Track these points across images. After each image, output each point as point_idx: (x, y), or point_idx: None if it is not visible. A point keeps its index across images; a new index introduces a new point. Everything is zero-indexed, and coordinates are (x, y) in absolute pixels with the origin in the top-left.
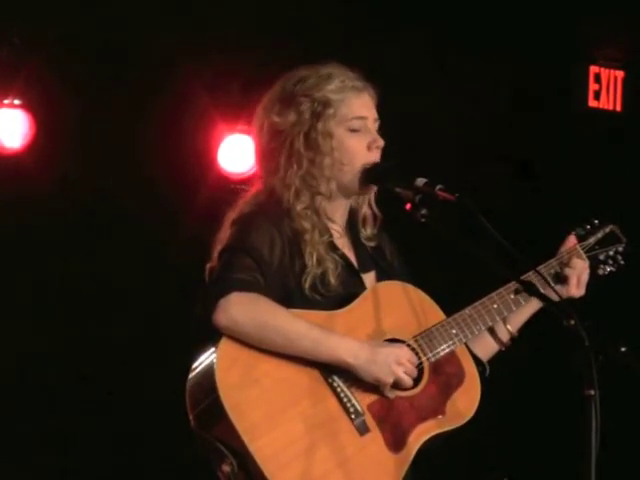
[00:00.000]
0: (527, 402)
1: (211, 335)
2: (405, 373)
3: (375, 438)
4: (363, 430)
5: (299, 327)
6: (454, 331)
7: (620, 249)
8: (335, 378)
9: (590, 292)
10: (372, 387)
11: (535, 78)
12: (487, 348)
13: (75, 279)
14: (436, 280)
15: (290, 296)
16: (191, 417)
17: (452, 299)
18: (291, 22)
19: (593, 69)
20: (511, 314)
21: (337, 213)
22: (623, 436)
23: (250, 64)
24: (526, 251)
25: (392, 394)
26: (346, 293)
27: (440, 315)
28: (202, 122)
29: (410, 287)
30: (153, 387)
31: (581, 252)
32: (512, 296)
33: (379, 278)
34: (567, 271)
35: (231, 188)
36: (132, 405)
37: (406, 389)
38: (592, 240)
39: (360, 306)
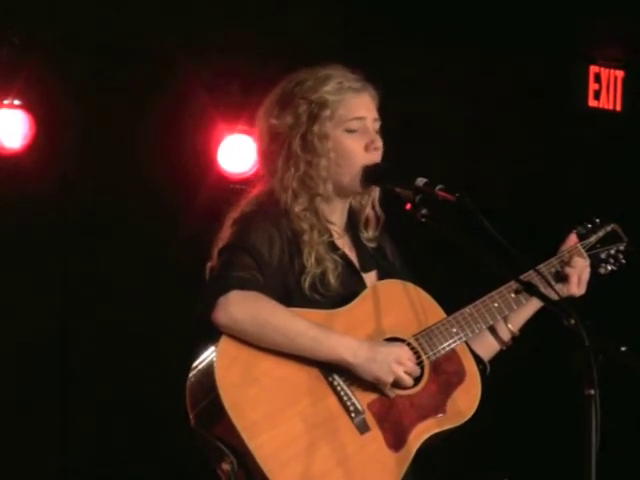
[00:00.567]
0: (527, 402)
1: (211, 334)
2: (405, 372)
3: (375, 437)
4: (363, 429)
5: (299, 325)
6: (454, 330)
7: (621, 248)
8: (335, 377)
9: (591, 291)
10: (372, 386)
11: (535, 78)
12: (488, 347)
13: (75, 279)
14: (436, 279)
15: (290, 295)
16: (191, 416)
17: (452, 298)
18: (291, 22)
19: (593, 69)
20: (512, 313)
21: (335, 214)
22: (623, 436)
23: (250, 64)
24: (526, 251)
25: (392, 393)
26: (347, 293)
27: (441, 314)
28: (202, 122)
29: (410, 285)
30: (153, 386)
31: (582, 251)
32: (513, 295)
33: (380, 278)
34: (568, 270)
35: (231, 188)
36: (132, 405)
37: (406, 388)
38: (593, 239)
39: (360, 305)
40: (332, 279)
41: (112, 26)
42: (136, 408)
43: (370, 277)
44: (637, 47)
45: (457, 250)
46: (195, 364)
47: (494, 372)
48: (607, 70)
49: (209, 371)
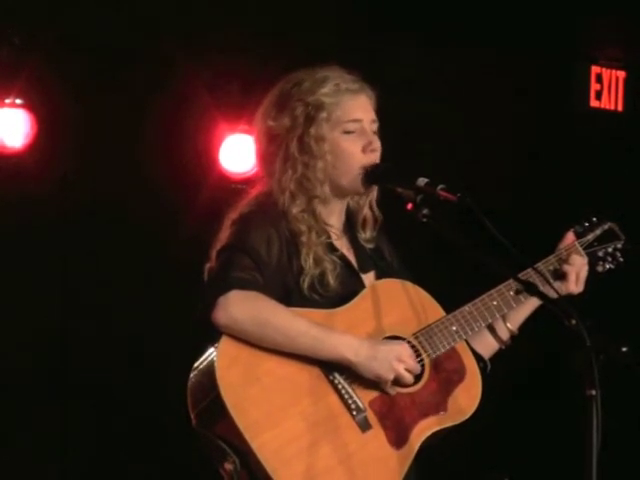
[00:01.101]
0: (528, 401)
1: (211, 334)
2: (406, 370)
3: (377, 434)
4: (365, 426)
5: (299, 325)
6: (454, 328)
7: (619, 246)
8: (336, 375)
9: (590, 291)
10: (373, 384)
11: (537, 78)
12: (487, 346)
13: (76, 279)
14: (436, 279)
15: (289, 296)
16: (192, 416)
17: (452, 298)
18: (291, 21)
19: (595, 69)
20: (511, 312)
21: (333, 215)
22: (624, 436)
23: (250, 64)
24: (527, 250)
25: (393, 391)
26: (346, 293)
27: (440, 312)
28: (203, 122)
29: (409, 284)
30: (154, 386)
31: (580, 249)
32: (512, 293)
33: (378, 278)
34: (566, 268)
35: (232, 188)
36: (133, 404)
37: (407, 386)
38: (591, 237)
39: (360, 304)
40: (331, 280)
41: (113, 26)
42: (136, 408)
43: (369, 278)
44: (639, 47)
45: (457, 250)
46: (196, 364)
47: (496, 371)
48: (609, 70)
49: (210, 371)
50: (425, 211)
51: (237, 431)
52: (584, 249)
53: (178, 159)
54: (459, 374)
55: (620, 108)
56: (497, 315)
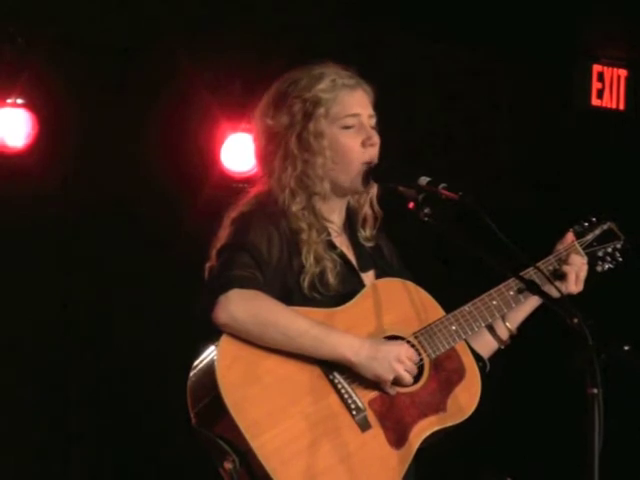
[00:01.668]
0: (529, 401)
1: (211, 333)
2: (405, 370)
3: (377, 434)
4: (364, 426)
5: (299, 324)
6: (454, 327)
7: (618, 246)
8: (336, 375)
9: (590, 290)
10: (373, 384)
11: (538, 77)
12: (487, 346)
13: (76, 278)
14: (436, 278)
15: (289, 294)
16: (192, 415)
17: (452, 297)
18: (292, 21)
19: (596, 68)
20: (510, 311)
21: (334, 213)
22: (626, 435)
23: (252, 63)
24: (527, 250)
25: (393, 390)
26: (346, 291)
27: (440, 312)
28: (205, 121)
29: (410, 284)
30: (154, 386)
31: (579, 249)
32: (511, 293)
33: (378, 277)
34: (565, 268)
35: (234, 187)
36: (133, 403)
37: (407, 386)
38: (590, 237)
39: (360, 303)
40: (331, 278)
41: (114, 26)
42: (136, 407)
43: (368, 276)
44: None
45: (458, 249)
46: (196, 363)
47: (497, 370)
48: (610, 69)
49: (210, 370)
50: (427, 210)
51: (237, 430)
52: (583, 249)
53: (180, 158)
54: (459, 374)
55: (622, 107)
56: (497, 315)
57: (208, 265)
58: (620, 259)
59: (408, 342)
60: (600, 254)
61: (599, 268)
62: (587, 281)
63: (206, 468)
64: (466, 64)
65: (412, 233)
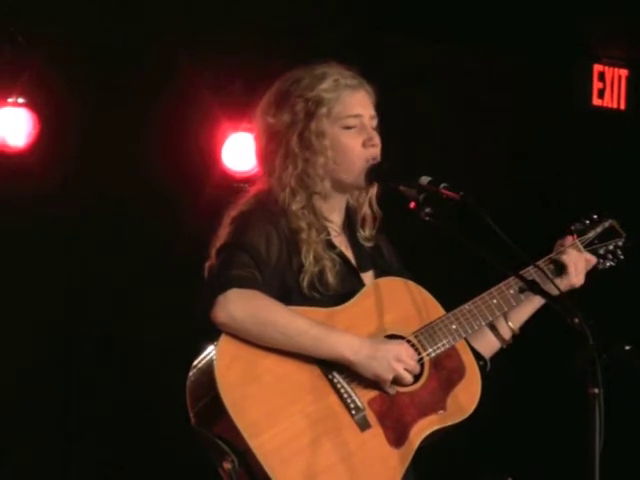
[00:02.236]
0: (530, 401)
1: (210, 332)
2: (405, 369)
3: (376, 434)
4: (364, 426)
5: (299, 323)
6: (454, 326)
7: (620, 244)
8: (335, 374)
9: (592, 289)
10: (372, 383)
11: (539, 76)
12: (489, 345)
13: (77, 278)
14: (436, 278)
15: (289, 294)
16: (191, 414)
17: (452, 297)
18: (292, 20)
19: (597, 67)
20: (512, 311)
21: (334, 212)
22: (627, 435)
23: (253, 63)
24: (527, 250)
25: (393, 390)
26: (345, 291)
27: (440, 311)
28: (205, 121)
29: (411, 283)
30: (154, 385)
31: (580, 246)
32: (511, 291)
33: (377, 277)
34: (563, 260)
35: (235, 186)
36: (132, 403)
37: (407, 385)
38: (591, 235)
39: (361, 302)
40: (330, 277)
41: (115, 25)
42: (135, 406)
43: (367, 276)
44: None
45: (459, 248)
46: (195, 363)
47: (497, 370)
48: (611, 69)
49: (209, 370)
50: (428, 209)
51: (236, 430)
52: (585, 247)
53: (180, 158)
54: (459, 373)
55: (622, 107)
56: (497, 313)
57: (207, 264)
58: (621, 257)
59: (408, 341)
60: (601, 252)
61: (600, 266)
62: (588, 279)
63: (206, 468)
64: (466, 64)
65: (412, 233)
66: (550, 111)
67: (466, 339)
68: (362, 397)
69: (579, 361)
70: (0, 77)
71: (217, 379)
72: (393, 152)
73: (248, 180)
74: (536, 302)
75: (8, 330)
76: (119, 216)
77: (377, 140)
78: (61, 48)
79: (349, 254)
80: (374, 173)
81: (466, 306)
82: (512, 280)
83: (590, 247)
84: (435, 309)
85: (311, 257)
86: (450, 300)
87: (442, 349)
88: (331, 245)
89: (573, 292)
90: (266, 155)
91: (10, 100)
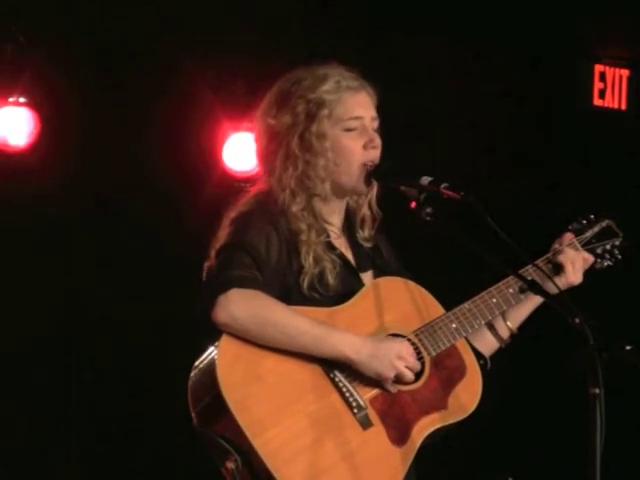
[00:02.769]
0: (531, 400)
1: (211, 333)
2: (407, 367)
3: (378, 432)
4: (366, 424)
5: (299, 323)
6: (454, 325)
7: (617, 243)
8: (337, 373)
9: (592, 289)
10: (374, 382)
11: (540, 77)
12: (487, 345)
13: (78, 277)
14: (436, 278)
15: (289, 294)
16: (193, 415)
17: (452, 297)
18: (293, 20)
19: (598, 68)
20: (511, 311)
21: (333, 214)
22: (627, 435)
23: (254, 63)
24: (528, 249)
25: (394, 388)
26: (345, 292)
27: (440, 310)
28: (207, 120)
29: (411, 282)
30: (154, 385)
31: (578, 246)
32: (511, 291)
33: (377, 277)
34: (560, 260)
35: (236, 186)
36: (133, 403)
37: (408, 383)
38: (589, 234)
39: (361, 302)
40: (331, 278)
41: (117, 25)
42: (137, 407)
43: (367, 277)
44: None
45: (460, 248)
46: (196, 363)
47: (499, 370)
48: (612, 69)
49: (210, 370)
50: (428, 209)
51: (238, 429)
52: (582, 246)
53: (181, 158)
54: (460, 371)
55: (624, 107)
56: (497, 312)
57: (207, 265)
58: (619, 256)
59: (409, 340)
60: (599, 251)
61: (598, 265)
62: (588, 279)
63: (208, 468)
64: (466, 64)
65: (412, 233)
66: (551, 111)
67: (466, 338)
68: (364, 395)
69: (580, 361)
70: (1, 77)
71: (219, 379)
72: (393, 152)
73: (249, 180)
74: (535, 302)
75: (8, 330)
76: (119, 216)
77: (378, 142)
78: (62, 48)
79: (349, 255)
80: (374, 174)
81: (466, 305)
82: (511, 279)
83: (588, 246)
84: (435, 308)
85: (311, 258)
86: (450, 300)
87: (442, 348)
88: (331, 247)
89: (573, 292)
90: (266, 155)
91: (11, 100)
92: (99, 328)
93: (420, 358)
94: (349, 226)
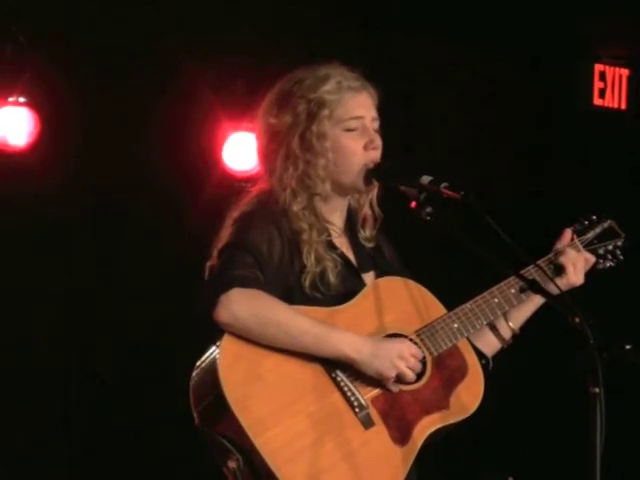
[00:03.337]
0: (531, 400)
1: (213, 332)
2: (408, 367)
3: (380, 432)
4: (368, 424)
5: (301, 323)
6: (456, 325)
7: (619, 244)
8: (338, 373)
9: (593, 289)
10: (375, 381)
11: (540, 77)
12: (489, 345)
13: (77, 277)
14: (436, 278)
15: (290, 294)
16: (195, 414)
17: (452, 297)
18: (293, 20)
19: (598, 67)
20: (512, 311)
21: (335, 213)
22: (628, 435)
23: (254, 63)
24: (528, 249)
25: (395, 388)
26: (346, 291)
27: (442, 310)
28: (207, 120)
29: (411, 282)
30: (156, 385)
31: (579, 246)
32: (512, 291)
33: (378, 277)
34: (562, 261)
35: (236, 186)
36: (135, 403)
37: (409, 383)
38: (591, 235)
39: (362, 302)
40: (332, 278)
41: (116, 25)
42: (138, 407)
43: (368, 277)
44: None
45: (460, 248)
46: (198, 363)
47: (499, 370)
48: (612, 68)
49: (212, 369)
50: (429, 209)
51: (240, 429)
52: (584, 247)
53: (181, 158)
54: (461, 371)
55: (623, 106)
56: (498, 312)
57: (209, 264)
58: (621, 257)
59: (410, 340)
60: (601, 252)
61: (600, 266)
62: (588, 279)
63: (210, 468)
64: (466, 64)
65: (412, 233)
66: (551, 111)
67: (468, 338)
68: (365, 395)
69: (580, 361)
70: (1, 76)
71: (220, 378)
72: (393, 152)
73: (249, 179)
74: (536, 302)
75: (8, 330)
76: (119, 216)
77: (378, 142)
78: (61, 48)
79: (350, 255)
80: (373, 174)
81: (467, 305)
82: (513, 279)
83: (589, 247)
84: (436, 308)
85: (312, 258)
86: (450, 300)
87: (444, 348)
88: (332, 246)
89: (574, 292)
90: (267, 155)
91: (11, 99)
92: (99, 328)
93: (422, 358)
94: (351, 226)
